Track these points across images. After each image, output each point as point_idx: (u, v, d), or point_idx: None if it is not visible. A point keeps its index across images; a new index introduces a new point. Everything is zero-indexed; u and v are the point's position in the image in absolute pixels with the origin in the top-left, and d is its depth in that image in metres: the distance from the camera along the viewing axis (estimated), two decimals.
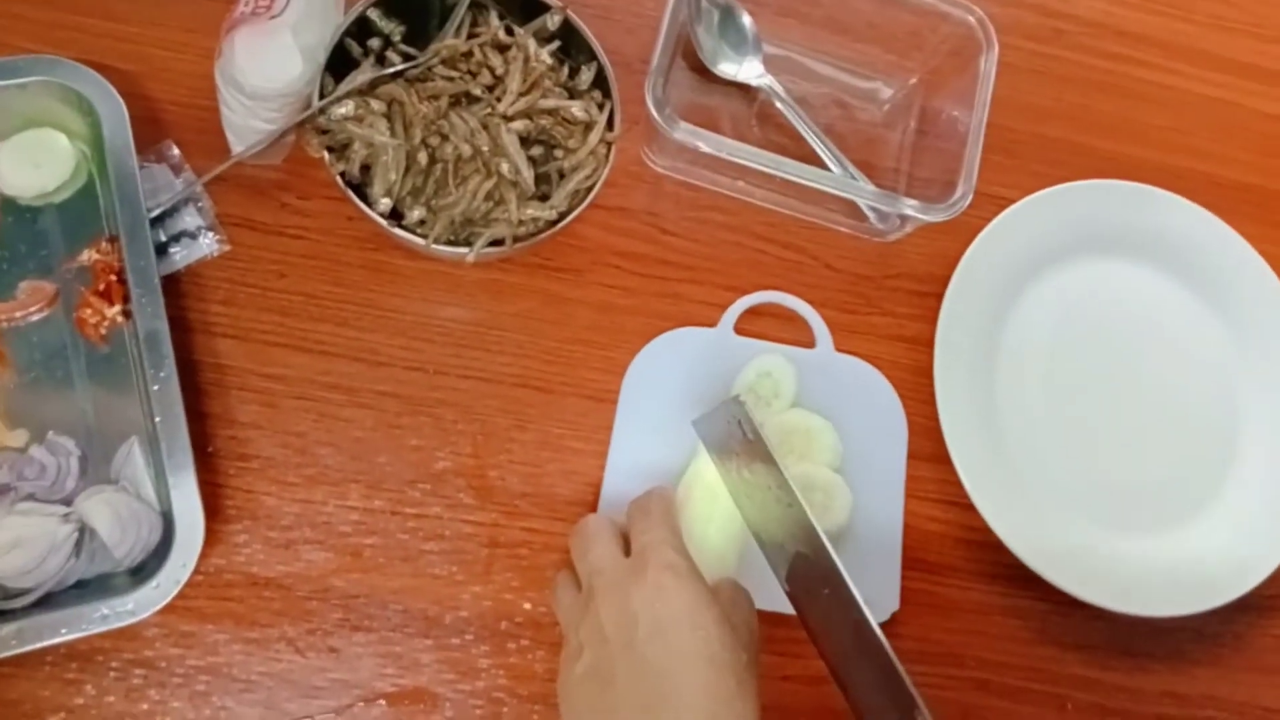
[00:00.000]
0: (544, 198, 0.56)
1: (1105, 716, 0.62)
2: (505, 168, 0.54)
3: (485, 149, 0.54)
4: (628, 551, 0.52)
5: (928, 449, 0.63)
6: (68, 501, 0.53)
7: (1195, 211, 0.69)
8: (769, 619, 0.56)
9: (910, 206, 0.58)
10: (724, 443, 0.54)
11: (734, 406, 0.52)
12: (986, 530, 0.60)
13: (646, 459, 0.59)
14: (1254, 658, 0.65)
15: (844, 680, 0.50)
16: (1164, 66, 0.75)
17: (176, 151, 0.58)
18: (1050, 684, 0.62)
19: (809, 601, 0.52)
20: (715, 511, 0.54)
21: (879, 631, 0.47)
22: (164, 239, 0.57)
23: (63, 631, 0.49)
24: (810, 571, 0.50)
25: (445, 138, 0.54)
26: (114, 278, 0.55)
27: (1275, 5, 0.79)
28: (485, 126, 0.54)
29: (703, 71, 0.66)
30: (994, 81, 0.62)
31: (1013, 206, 0.66)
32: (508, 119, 0.55)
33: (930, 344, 0.63)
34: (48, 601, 0.51)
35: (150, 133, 0.58)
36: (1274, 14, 0.78)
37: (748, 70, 0.66)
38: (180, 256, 0.57)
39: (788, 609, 0.53)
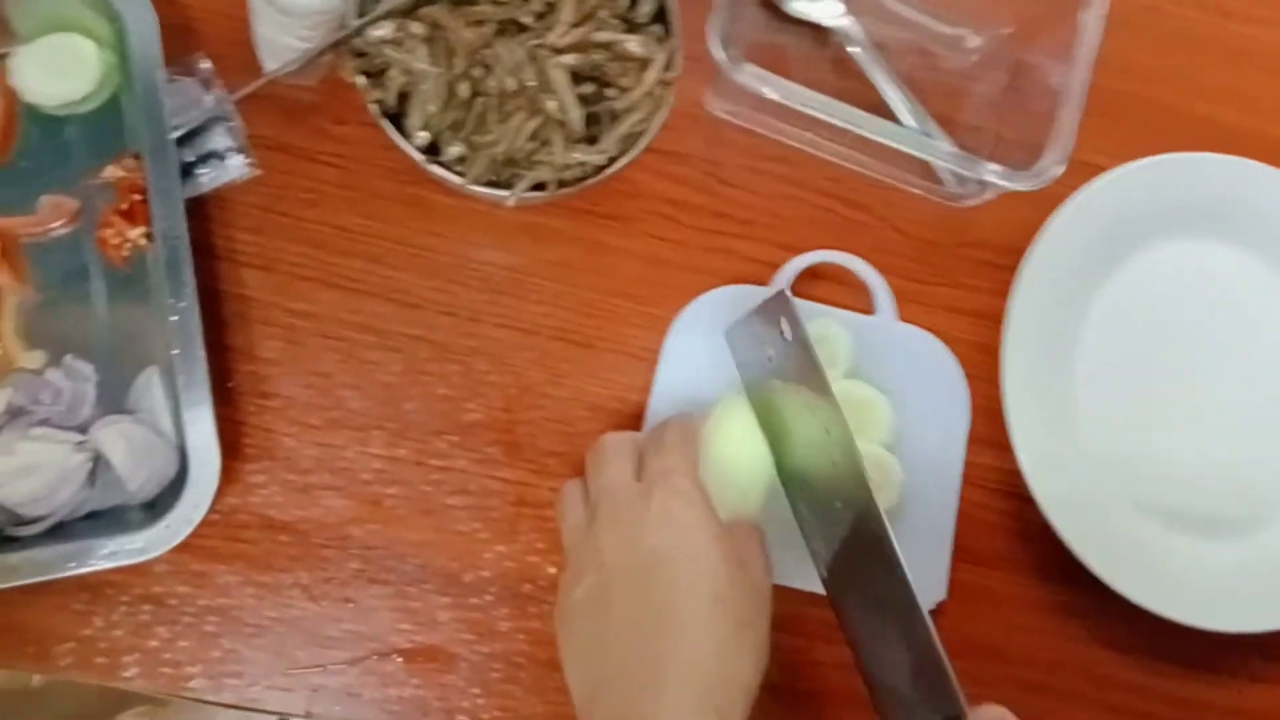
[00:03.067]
0: (592, 140, 0.52)
1: None
2: (552, 106, 0.50)
3: (532, 84, 0.50)
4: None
5: (988, 433, 0.58)
6: (82, 429, 0.51)
7: None
8: (799, 598, 0.54)
9: (993, 172, 0.53)
10: (759, 352, 0.51)
11: (779, 302, 0.48)
12: (1044, 524, 0.56)
13: None
14: None
15: (866, 656, 0.47)
16: None
17: (207, 65, 0.55)
18: (1101, 689, 0.59)
19: (839, 561, 0.49)
20: (744, 451, 0.52)
21: (917, 597, 0.44)
22: (191, 159, 0.53)
23: (70, 565, 0.48)
24: (846, 522, 0.47)
25: (489, 69, 0.50)
26: (138, 197, 0.53)
27: None
28: (533, 59, 0.50)
29: (773, 9, 0.61)
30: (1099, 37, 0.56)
31: (1102, 176, 0.60)
32: (558, 51, 0.50)
33: (999, 319, 0.58)
34: (59, 531, 0.50)
35: (180, 44, 0.54)
36: None
37: (823, 9, 0.61)
38: (208, 179, 0.54)
39: (817, 587, 0.50)
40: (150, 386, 0.52)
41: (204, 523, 0.49)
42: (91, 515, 0.51)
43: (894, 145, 0.54)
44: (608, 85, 0.52)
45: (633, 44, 0.51)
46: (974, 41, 0.64)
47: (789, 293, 0.48)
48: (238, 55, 0.55)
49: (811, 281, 0.59)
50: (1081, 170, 0.60)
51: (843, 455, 0.46)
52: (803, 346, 0.47)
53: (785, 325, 0.48)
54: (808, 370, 0.47)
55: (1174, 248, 0.62)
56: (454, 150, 0.50)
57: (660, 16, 0.54)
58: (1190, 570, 0.59)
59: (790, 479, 0.52)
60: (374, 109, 0.50)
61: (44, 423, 0.51)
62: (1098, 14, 0.56)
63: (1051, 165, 0.53)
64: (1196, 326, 0.62)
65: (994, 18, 0.63)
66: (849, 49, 0.61)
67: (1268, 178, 0.62)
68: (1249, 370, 0.63)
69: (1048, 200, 0.59)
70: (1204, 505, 0.60)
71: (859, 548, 0.47)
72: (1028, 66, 0.61)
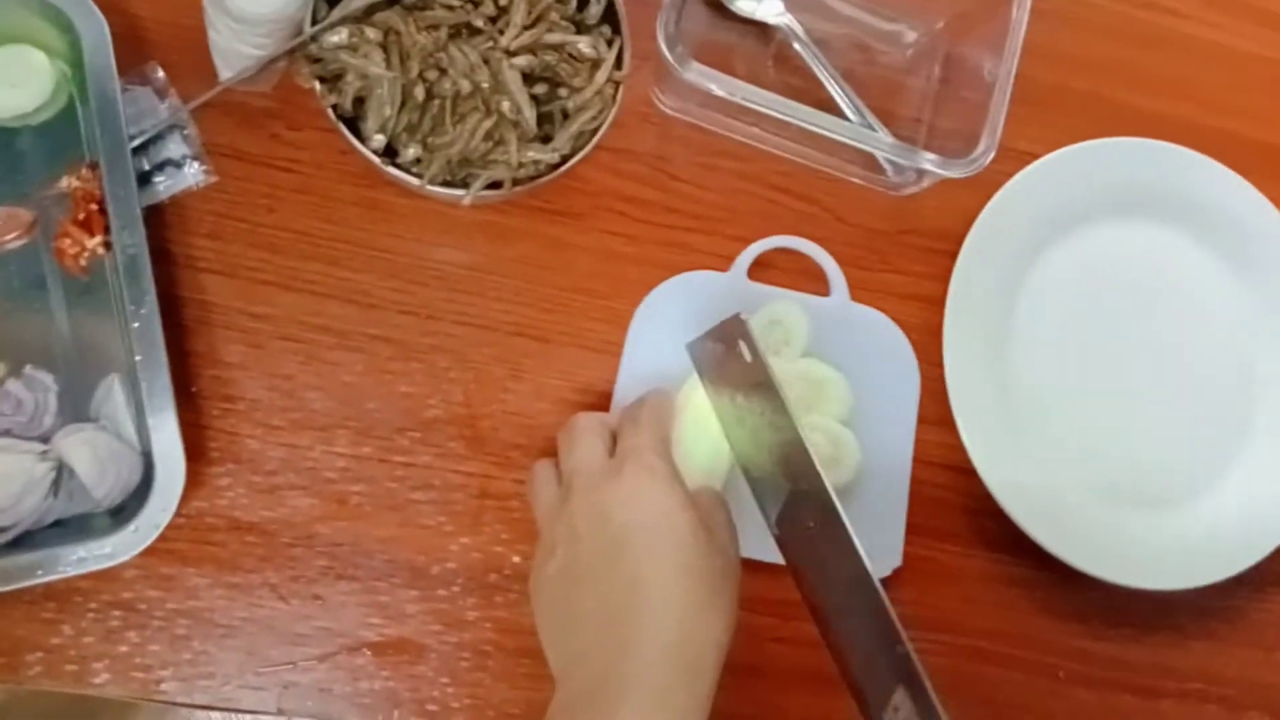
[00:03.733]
0: (546, 139, 0.53)
1: (1097, 687, 0.61)
2: (506, 106, 0.51)
3: (485, 85, 0.51)
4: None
5: (936, 412, 0.61)
6: (45, 439, 0.51)
7: (1226, 175, 0.66)
8: (762, 572, 0.55)
9: (929, 161, 0.56)
10: (720, 365, 0.52)
11: (735, 325, 0.50)
12: (989, 497, 0.59)
13: None
14: (1247, 633, 0.64)
15: (830, 628, 0.49)
16: (1203, 19, 0.72)
17: (161, 74, 0.55)
18: (1044, 653, 0.61)
19: (798, 543, 0.50)
20: (707, 429, 0.53)
21: (872, 572, 0.45)
22: (147, 167, 0.54)
23: (39, 573, 0.48)
24: (802, 509, 0.49)
25: (444, 72, 0.51)
26: (94, 207, 0.53)
27: None
28: (486, 61, 0.51)
29: (718, 7, 0.63)
30: (1025, 29, 0.59)
31: (1035, 163, 0.63)
32: (510, 54, 0.52)
33: (944, 303, 0.61)
34: (25, 541, 0.50)
35: (133, 53, 0.55)
36: None
37: (766, 8, 0.62)
38: (164, 186, 0.55)
39: (779, 559, 0.52)
40: (112, 394, 0.52)
41: (171, 526, 0.49)
42: (57, 523, 0.51)
43: (836, 138, 0.56)
44: (559, 85, 0.54)
45: (583, 45, 0.53)
46: (909, 36, 0.66)
47: (743, 316, 0.49)
48: (191, 63, 0.56)
49: (768, 270, 0.61)
50: (1016, 158, 0.63)
51: (792, 453, 0.48)
52: (760, 363, 0.49)
53: (744, 347, 0.49)
54: (766, 388, 0.49)
55: (1105, 230, 0.65)
56: (410, 152, 0.51)
57: (608, 17, 0.55)
58: (1124, 536, 0.62)
59: (741, 459, 0.54)
60: (330, 113, 0.50)
61: (6, 434, 0.51)
62: (1025, 8, 0.58)
63: (984, 153, 0.56)
64: (1129, 306, 0.65)
65: (928, 13, 0.65)
66: (792, 45, 0.63)
67: (1192, 161, 0.66)
68: (1181, 346, 0.66)
69: (985, 186, 0.61)
70: (1141, 477, 0.63)
71: (814, 527, 0.49)
72: (960, 59, 0.64)
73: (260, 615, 0.53)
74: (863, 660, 0.47)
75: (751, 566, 0.53)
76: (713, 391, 0.53)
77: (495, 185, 0.52)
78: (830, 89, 0.62)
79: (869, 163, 0.62)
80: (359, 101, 0.52)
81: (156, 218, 0.54)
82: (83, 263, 0.53)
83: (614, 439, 0.52)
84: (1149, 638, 0.63)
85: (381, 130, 0.51)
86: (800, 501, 0.49)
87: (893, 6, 0.65)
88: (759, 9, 0.63)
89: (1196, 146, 0.66)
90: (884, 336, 0.61)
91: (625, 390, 0.58)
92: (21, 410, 0.51)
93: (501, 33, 0.52)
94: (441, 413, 0.56)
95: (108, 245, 0.53)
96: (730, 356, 0.50)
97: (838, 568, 0.47)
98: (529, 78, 0.53)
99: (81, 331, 0.53)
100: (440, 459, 0.56)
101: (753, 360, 0.49)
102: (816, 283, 0.61)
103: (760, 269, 0.61)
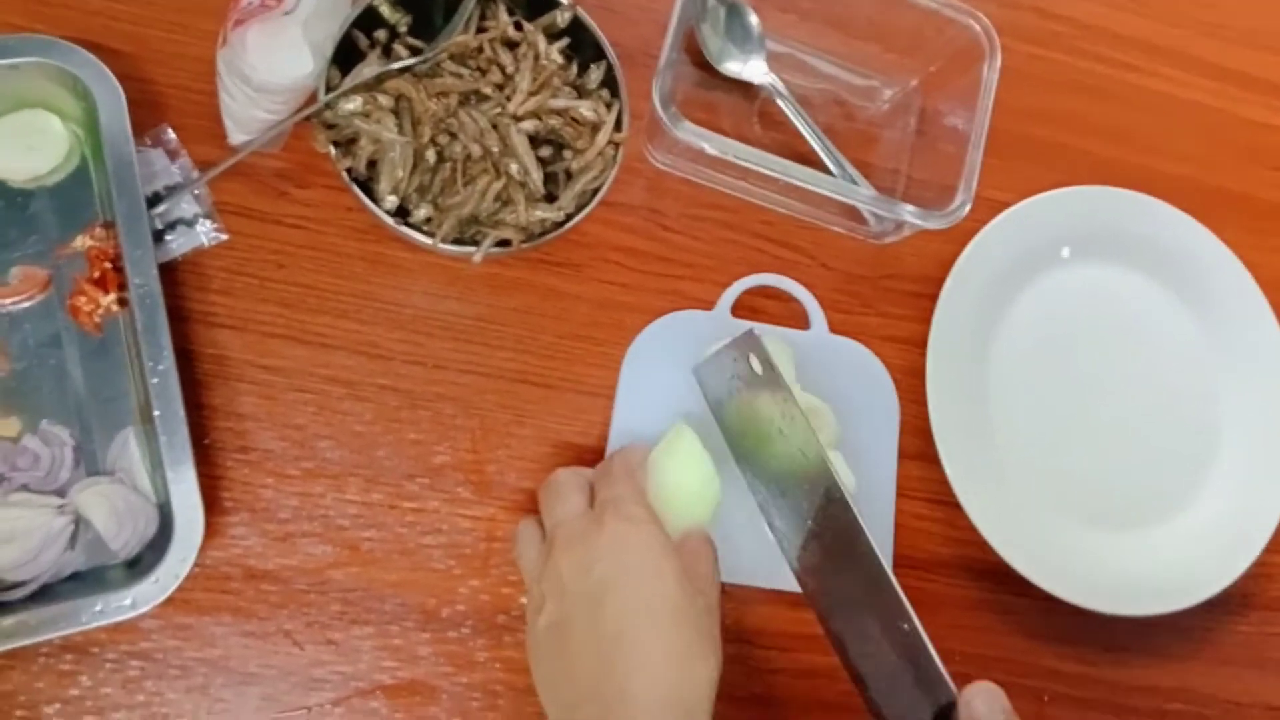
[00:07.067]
0: (551, 198, 0.55)
1: (1081, 708, 0.64)
2: (515, 169, 0.53)
3: (495, 149, 0.53)
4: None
5: (918, 448, 0.64)
6: (62, 493, 0.52)
7: (1179, 217, 0.70)
8: (764, 611, 0.57)
9: (910, 213, 0.59)
10: (728, 383, 0.54)
11: (748, 340, 0.52)
12: (972, 529, 0.61)
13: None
14: (1223, 652, 0.67)
15: (850, 648, 0.51)
16: (1153, 71, 0.76)
17: (173, 136, 0.57)
18: (1030, 677, 0.64)
19: (807, 546, 0.52)
20: (692, 471, 0.55)
21: (888, 568, 0.47)
22: (160, 226, 0.56)
23: (62, 625, 0.49)
24: (813, 510, 0.51)
25: (454, 136, 0.53)
26: (109, 265, 0.54)
27: (1263, 14, 0.80)
28: (495, 126, 0.54)
29: (705, 67, 0.66)
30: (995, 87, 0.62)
31: (1005, 212, 0.66)
32: (517, 119, 0.54)
33: (922, 344, 0.64)
34: (43, 594, 0.51)
35: (145, 116, 0.57)
36: (1262, 22, 0.80)
37: (752, 69, 0.66)
38: (177, 245, 0.56)
39: (777, 585, 0.53)
40: (128, 447, 0.53)
41: (188, 576, 0.50)
42: (73, 576, 0.52)
43: (821, 191, 0.59)
44: (563, 147, 0.56)
45: (585, 109, 0.55)
46: (885, 92, 0.69)
47: (756, 333, 0.51)
48: (200, 125, 0.57)
49: (747, 311, 0.64)
50: (984, 205, 0.66)
51: (813, 463, 0.50)
52: (773, 377, 0.51)
53: (754, 361, 0.51)
54: (779, 397, 0.51)
55: (1071, 270, 0.69)
56: (422, 212, 0.53)
57: (607, 82, 0.58)
58: (1101, 563, 0.65)
59: (762, 489, 0.56)
60: (345, 175, 0.52)
61: (23, 489, 0.52)
62: (996, 68, 0.62)
63: (961, 205, 0.59)
64: (1097, 340, 0.69)
65: (903, 70, 0.68)
66: (775, 101, 0.66)
67: (1146, 205, 0.70)
68: (1147, 377, 0.69)
69: (958, 234, 0.64)
70: (1116, 505, 0.67)
71: (833, 546, 0.51)
72: (934, 114, 0.67)
73: (276, 661, 0.54)
74: (890, 686, 0.49)
75: (755, 598, 0.55)
76: (717, 410, 0.55)
77: (504, 242, 0.54)
78: (812, 142, 0.65)
79: (851, 213, 0.65)
80: (371, 164, 0.54)
81: (169, 275, 0.56)
82: (97, 319, 0.54)
83: (593, 492, 0.54)
84: (1130, 658, 0.65)
85: (394, 192, 0.53)
86: (815, 516, 0.51)
87: (868, 64, 0.69)
88: (745, 69, 0.66)
89: (1149, 190, 0.70)
90: (862, 365, 0.64)
91: (620, 430, 0.60)
92: (38, 465, 0.52)
93: (509, 99, 0.54)
94: (449, 459, 0.58)
95: (122, 302, 0.54)
96: (739, 371, 0.52)
97: (862, 589, 0.49)
98: (535, 141, 0.55)
99: (96, 387, 0.54)
100: (448, 504, 0.57)
101: (764, 371, 0.51)
102: (797, 321, 0.64)
103: (742, 311, 0.64)
